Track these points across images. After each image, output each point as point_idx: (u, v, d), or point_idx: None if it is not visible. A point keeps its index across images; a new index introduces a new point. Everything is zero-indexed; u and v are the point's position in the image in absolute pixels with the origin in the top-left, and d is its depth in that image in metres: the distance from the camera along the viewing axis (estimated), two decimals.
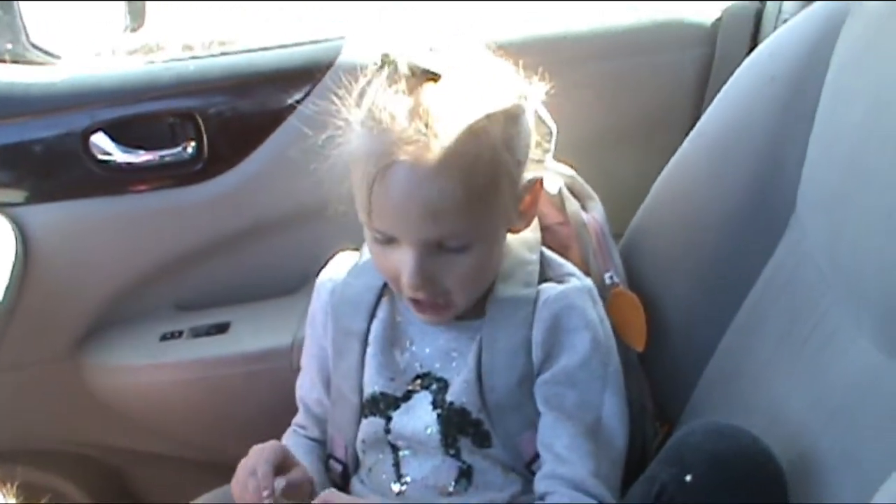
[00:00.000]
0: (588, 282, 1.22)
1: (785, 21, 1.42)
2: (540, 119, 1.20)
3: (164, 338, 1.61)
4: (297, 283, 1.59)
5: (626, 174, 1.44)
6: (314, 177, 1.50)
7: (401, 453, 1.21)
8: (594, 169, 1.36)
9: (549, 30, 1.52)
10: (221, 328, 1.60)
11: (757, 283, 1.20)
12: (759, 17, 1.53)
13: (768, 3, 1.52)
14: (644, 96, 1.54)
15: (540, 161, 1.20)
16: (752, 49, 1.40)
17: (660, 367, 1.28)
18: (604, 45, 1.53)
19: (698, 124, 1.35)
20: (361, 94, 1.13)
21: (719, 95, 1.33)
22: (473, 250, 1.13)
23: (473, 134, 1.08)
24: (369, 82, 1.12)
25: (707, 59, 1.53)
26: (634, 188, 1.39)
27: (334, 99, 1.12)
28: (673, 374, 1.28)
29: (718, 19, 1.54)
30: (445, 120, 1.07)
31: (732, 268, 1.23)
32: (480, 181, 1.09)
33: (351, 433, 1.25)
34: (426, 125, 1.06)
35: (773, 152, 1.21)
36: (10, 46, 1.56)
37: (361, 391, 1.23)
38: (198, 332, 1.60)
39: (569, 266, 1.24)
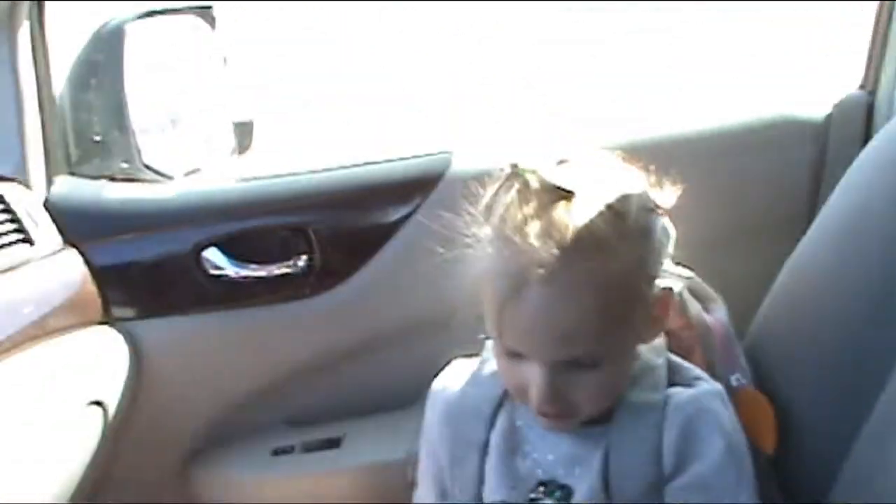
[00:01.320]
0: (718, 385, 1.18)
1: None
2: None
3: (275, 453, 1.59)
4: (412, 396, 1.55)
5: (742, 274, 1.40)
6: (427, 289, 1.52)
7: None
8: (710, 270, 1.32)
9: (659, 131, 1.51)
10: (334, 443, 1.58)
11: (891, 381, 1.14)
12: (870, 110, 1.51)
13: (880, 92, 1.50)
14: (757, 195, 1.51)
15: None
16: (865, 142, 1.37)
17: (790, 472, 1.22)
18: (713, 146, 1.51)
19: (818, 218, 1.32)
20: (489, 209, 1.11)
21: (839, 187, 1.30)
22: (606, 366, 1.09)
23: (607, 255, 1.05)
24: (496, 195, 1.10)
25: (819, 154, 1.50)
26: (751, 288, 1.35)
27: (458, 211, 1.11)
28: (804, 479, 1.21)
29: (829, 114, 1.52)
30: (578, 241, 1.04)
31: (863, 366, 1.17)
32: (614, 302, 1.06)
33: None
34: (559, 247, 1.03)
35: None
36: (125, 165, 1.60)
37: (481, 502, 1.19)
38: (310, 447, 1.59)
39: (696, 370, 1.20)
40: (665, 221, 1.16)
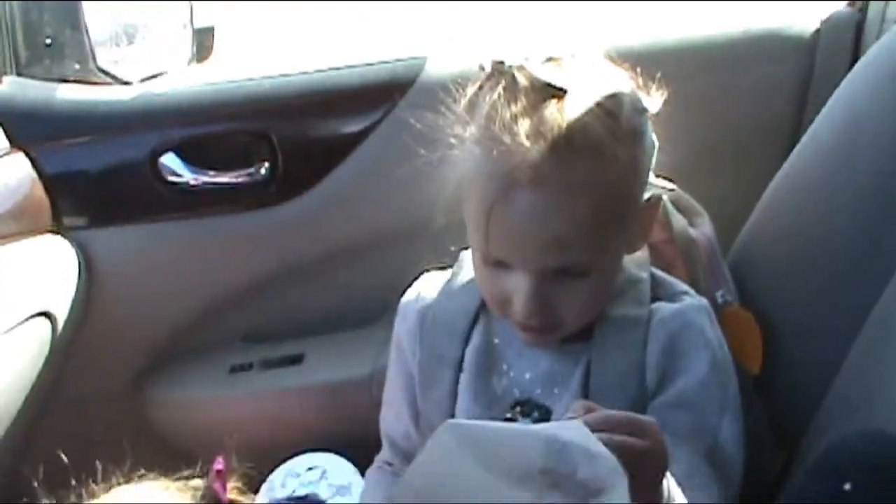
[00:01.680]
0: (704, 300, 1.13)
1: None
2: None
3: (233, 370, 1.53)
4: (377, 312, 1.51)
5: (727, 190, 1.36)
6: (394, 200, 1.46)
7: None
8: (693, 186, 1.28)
9: (644, 40, 1.44)
10: (295, 360, 1.53)
11: (885, 294, 1.10)
12: (859, 27, 1.46)
13: (870, 10, 1.45)
14: (743, 110, 1.47)
15: None
16: (854, 59, 1.34)
17: (776, 392, 1.19)
18: (700, 58, 1.46)
19: (809, 132, 1.28)
20: (473, 106, 1.04)
21: (831, 100, 1.26)
22: (594, 276, 1.04)
23: (601, 156, 0.99)
24: (479, 93, 1.04)
25: (807, 70, 1.46)
26: (736, 203, 1.32)
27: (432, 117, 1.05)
28: (791, 398, 1.18)
29: (817, 30, 1.47)
30: (572, 141, 0.98)
31: (856, 279, 1.13)
32: (607, 206, 1.01)
33: None
34: (552, 146, 0.97)
35: None
36: (77, 67, 1.50)
37: None
38: (269, 364, 1.53)
39: (681, 284, 1.15)
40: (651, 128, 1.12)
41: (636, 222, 1.07)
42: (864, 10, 1.46)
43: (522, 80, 1.01)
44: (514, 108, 1.00)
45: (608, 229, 1.02)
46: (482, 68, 1.05)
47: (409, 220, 1.46)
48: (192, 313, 1.53)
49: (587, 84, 1.02)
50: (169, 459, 1.54)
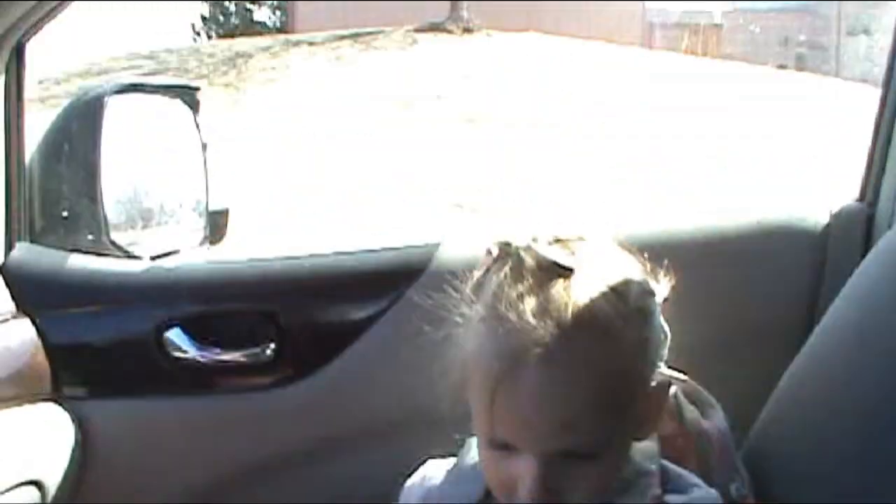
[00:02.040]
0: (714, 492, 1.08)
1: None
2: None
3: None
4: (381, 500, 1.44)
5: (740, 382, 1.33)
6: (401, 385, 1.43)
7: None
8: (705, 378, 1.24)
9: (654, 229, 1.45)
10: None
11: None
12: (870, 222, 1.47)
13: (880, 203, 1.46)
14: (755, 303, 1.45)
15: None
16: (865, 252, 1.33)
17: None
18: (710, 249, 1.45)
19: (820, 327, 1.26)
20: (479, 287, 1.04)
21: (844, 290, 1.25)
22: (601, 460, 1.01)
23: (609, 335, 0.98)
24: (487, 274, 1.04)
25: (819, 264, 1.45)
26: (749, 397, 1.28)
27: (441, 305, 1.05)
28: None
29: (828, 224, 1.47)
30: (580, 320, 0.97)
31: (874, 483, 1.08)
32: (617, 388, 0.99)
33: None
34: (558, 325, 0.96)
35: None
36: (90, 237, 1.51)
37: None
38: None
39: (692, 477, 1.11)
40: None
41: (645, 405, 1.04)
42: (874, 204, 1.47)
43: (529, 261, 1.01)
44: (521, 287, 0.99)
45: (616, 411, 0.99)
46: (489, 252, 1.05)
47: (414, 407, 1.41)
48: (192, 495, 1.47)
49: (594, 264, 1.02)
50: None
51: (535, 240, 1.02)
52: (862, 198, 1.50)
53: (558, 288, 0.98)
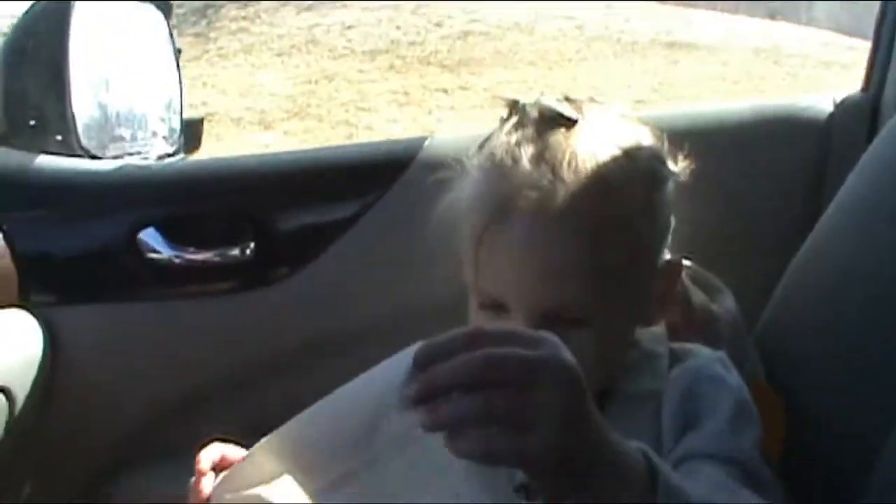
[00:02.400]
0: (719, 352, 1.02)
1: None
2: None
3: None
4: None
5: (747, 270, 1.27)
6: (387, 285, 1.37)
7: None
8: (711, 266, 1.19)
9: (652, 114, 1.39)
10: None
11: None
12: (874, 111, 1.41)
13: (885, 93, 1.41)
14: (758, 190, 1.40)
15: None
16: (869, 141, 1.27)
17: (804, 482, 1.07)
18: (713, 138, 1.38)
19: (830, 208, 1.21)
20: (483, 143, 0.99)
21: (852, 175, 1.20)
22: (595, 328, 0.94)
23: (610, 189, 0.92)
24: (493, 134, 0.99)
25: (822, 153, 1.40)
26: (757, 285, 1.23)
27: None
28: (824, 489, 1.07)
29: (831, 113, 1.42)
30: (577, 170, 0.92)
31: (887, 355, 1.03)
32: (614, 245, 0.93)
33: None
34: (554, 171, 0.91)
35: None
36: (59, 138, 1.43)
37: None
38: None
39: (695, 346, 1.05)
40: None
41: (649, 283, 0.98)
42: (878, 94, 1.41)
43: (533, 112, 0.96)
44: (521, 135, 0.94)
45: (612, 273, 0.93)
46: (503, 119, 1.00)
47: (403, 304, 1.36)
48: (165, 404, 1.41)
49: (602, 121, 0.96)
50: None
51: (542, 94, 0.98)
52: (866, 88, 1.45)
53: (559, 137, 0.94)
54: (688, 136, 1.36)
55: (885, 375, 1.05)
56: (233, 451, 0.95)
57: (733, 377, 0.98)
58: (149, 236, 1.37)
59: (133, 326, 1.39)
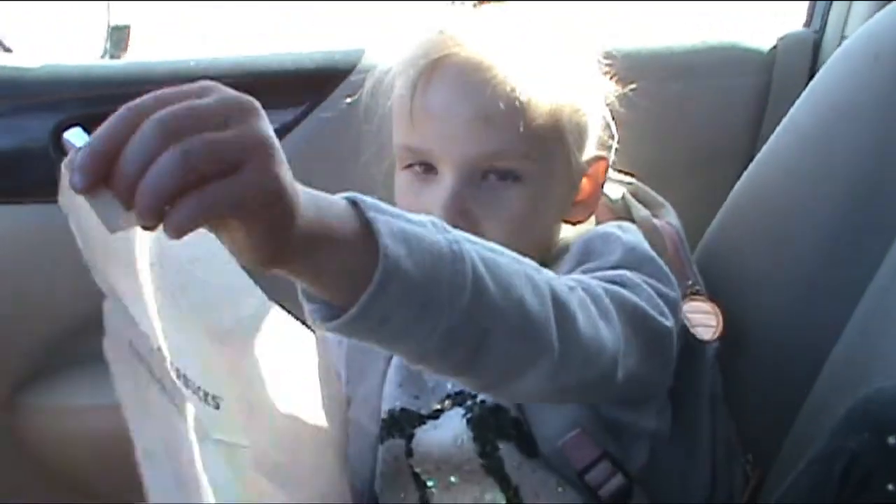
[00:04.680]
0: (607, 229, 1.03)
1: None
2: (604, 120, 1.06)
3: None
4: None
5: (682, 203, 1.28)
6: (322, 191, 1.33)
7: (428, 487, 0.99)
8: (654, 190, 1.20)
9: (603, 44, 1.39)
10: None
11: (871, 286, 1.03)
12: (817, 46, 1.43)
13: (827, 31, 1.42)
14: (698, 123, 1.41)
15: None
16: (811, 77, 1.29)
17: (748, 401, 1.09)
18: (655, 66, 1.39)
19: (785, 121, 1.23)
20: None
21: (808, 89, 1.23)
22: (524, 184, 0.96)
23: (544, 52, 0.98)
24: None
25: (764, 85, 1.40)
26: (692, 216, 1.23)
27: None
28: (765, 406, 1.09)
29: (774, 47, 1.43)
30: (510, 34, 0.98)
31: (840, 271, 1.08)
32: (542, 105, 0.95)
33: (367, 471, 1.02)
34: (489, 27, 0.98)
35: (884, 136, 1.09)
36: None
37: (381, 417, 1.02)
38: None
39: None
40: (605, 113, 1.06)
41: (576, 167, 1.01)
42: (821, 31, 1.43)
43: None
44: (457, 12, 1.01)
45: (538, 131, 0.95)
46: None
47: None
48: (87, 310, 1.34)
49: (539, 5, 1.02)
50: (49, 483, 1.35)
51: None
52: (808, 24, 1.46)
53: (495, 10, 0.99)
54: (637, 59, 1.38)
55: (825, 296, 1.08)
56: None
57: (630, 235, 1.00)
58: (74, 136, 1.30)
59: (55, 228, 1.32)
